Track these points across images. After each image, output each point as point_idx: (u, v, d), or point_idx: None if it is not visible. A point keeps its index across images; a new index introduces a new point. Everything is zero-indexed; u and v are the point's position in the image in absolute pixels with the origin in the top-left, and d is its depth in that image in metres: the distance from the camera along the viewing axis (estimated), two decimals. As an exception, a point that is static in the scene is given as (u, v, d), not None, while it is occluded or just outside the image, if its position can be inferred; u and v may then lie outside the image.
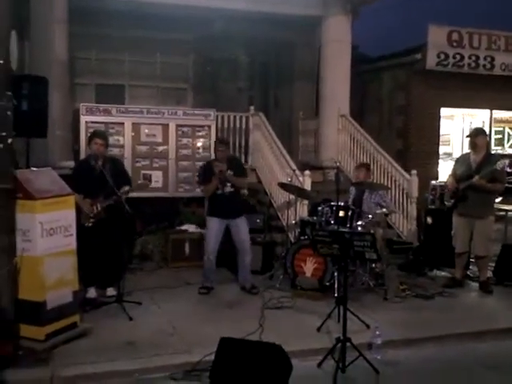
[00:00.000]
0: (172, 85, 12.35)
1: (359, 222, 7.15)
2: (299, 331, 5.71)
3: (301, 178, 8.46)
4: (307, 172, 8.52)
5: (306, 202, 8.28)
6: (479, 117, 13.71)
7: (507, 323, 6.20)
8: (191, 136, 9.30)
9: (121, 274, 6.32)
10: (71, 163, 8.18)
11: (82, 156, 8.03)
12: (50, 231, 5.13)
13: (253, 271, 7.34)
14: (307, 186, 8.30)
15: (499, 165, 6.98)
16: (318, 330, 5.69)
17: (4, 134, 4.80)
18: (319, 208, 7.38)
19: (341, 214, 7.11)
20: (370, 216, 7.29)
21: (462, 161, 7.55)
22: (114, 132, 8.78)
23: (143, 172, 8.95)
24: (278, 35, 11.93)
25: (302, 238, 7.49)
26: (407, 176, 9.04)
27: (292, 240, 8.08)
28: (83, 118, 8.72)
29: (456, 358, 5.43)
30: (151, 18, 10.34)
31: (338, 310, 5.76)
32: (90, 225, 6.31)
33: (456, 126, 13.84)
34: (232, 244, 7.22)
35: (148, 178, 8.78)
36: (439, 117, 12.84)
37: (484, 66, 12.39)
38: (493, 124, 13.76)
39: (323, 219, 7.20)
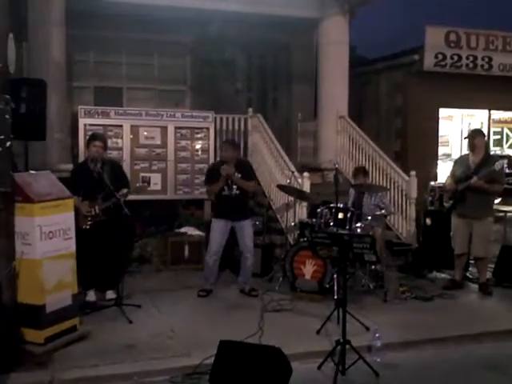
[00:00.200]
0: (170, 87, 12.34)
1: (358, 224, 7.15)
2: (299, 334, 5.70)
3: (300, 180, 8.45)
4: (306, 174, 8.52)
5: (305, 203, 8.27)
6: (478, 117, 13.72)
7: (507, 325, 6.19)
8: (190, 138, 9.30)
9: (120, 277, 6.32)
10: (70, 166, 8.15)
11: (81, 159, 8.02)
12: (49, 234, 5.12)
13: (252, 274, 7.33)
14: (306, 188, 8.29)
15: (497, 165, 6.98)
16: (318, 332, 5.69)
17: (2, 137, 4.80)
18: (318, 210, 7.37)
19: (340, 215, 7.10)
20: (369, 218, 7.29)
21: (460, 162, 7.56)
22: (112, 134, 8.78)
23: (142, 174, 8.95)
24: (275, 37, 11.94)
25: (302, 240, 7.47)
26: (406, 177, 9.03)
27: (291, 242, 8.07)
28: (81, 121, 8.71)
29: (456, 360, 5.43)
30: (148, 21, 10.35)
31: (337, 312, 5.76)
32: (88, 227, 6.31)
33: (455, 127, 13.83)
34: (236, 246, 7.24)
35: (147, 181, 8.80)
36: (438, 118, 12.85)
37: (482, 66, 12.41)
38: (491, 125, 13.77)
39: (322, 221, 7.19)
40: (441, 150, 13.17)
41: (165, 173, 9.13)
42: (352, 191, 8.02)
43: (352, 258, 5.26)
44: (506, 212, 9.24)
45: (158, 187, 9.06)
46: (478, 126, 12.60)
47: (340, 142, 10.78)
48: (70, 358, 4.95)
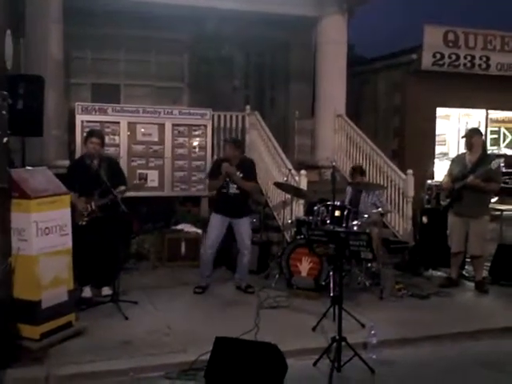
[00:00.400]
0: (167, 84, 12.34)
1: (355, 222, 7.16)
2: (295, 331, 5.70)
3: (297, 178, 8.46)
4: (303, 171, 8.52)
5: (302, 201, 8.29)
6: (475, 117, 13.72)
7: (503, 322, 6.21)
8: (187, 135, 9.28)
9: (116, 274, 6.32)
10: (67, 162, 8.15)
11: (78, 155, 8.01)
12: (45, 230, 5.11)
13: (248, 271, 7.33)
14: (303, 186, 8.30)
15: (494, 164, 6.99)
16: (314, 329, 5.69)
17: (-1, 133, 4.79)
18: (315, 207, 7.38)
19: (337, 213, 7.11)
20: (365, 216, 7.30)
21: (457, 161, 7.57)
22: (109, 131, 8.74)
23: (139, 171, 8.93)
24: (274, 35, 11.94)
25: (298, 237, 7.48)
26: (403, 176, 9.05)
27: (288, 239, 8.07)
28: (79, 117, 8.69)
29: (452, 357, 5.44)
30: (146, 18, 10.34)
31: (333, 309, 5.76)
32: (84, 223, 6.31)
33: (452, 126, 13.84)
34: (233, 243, 7.24)
35: (144, 178, 8.80)
36: (435, 117, 12.85)
37: (480, 65, 12.41)
38: (489, 124, 13.77)
39: (319, 219, 7.20)
40: (438, 149, 13.18)
41: (162, 170, 9.12)
42: (349, 189, 8.03)
43: (348, 256, 5.27)
44: (502, 211, 9.25)
45: (155, 184, 9.05)
46: (476, 126, 12.59)
47: (337, 140, 10.81)
48: (65, 354, 4.95)
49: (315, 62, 11.41)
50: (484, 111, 13.58)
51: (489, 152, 12.15)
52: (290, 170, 8.54)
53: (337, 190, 7.24)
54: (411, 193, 8.93)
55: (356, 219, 7.23)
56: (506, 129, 14.33)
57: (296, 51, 12.83)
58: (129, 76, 12.06)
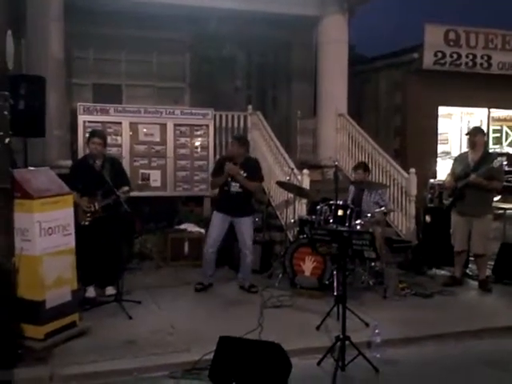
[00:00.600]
0: (169, 84, 12.34)
1: (358, 221, 7.14)
2: (298, 330, 5.70)
3: (299, 177, 8.46)
4: (306, 171, 8.52)
5: (304, 200, 8.28)
6: (477, 115, 13.71)
7: (506, 321, 6.20)
8: (189, 135, 9.28)
9: (120, 273, 6.31)
10: (69, 162, 8.14)
11: (80, 155, 8.03)
12: (48, 230, 5.11)
13: (252, 270, 7.32)
14: (306, 185, 8.30)
15: (496, 163, 6.99)
16: (318, 328, 5.69)
17: (1, 133, 4.78)
18: (318, 207, 7.37)
19: (340, 212, 7.10)
20: (368, 215, 7.29)
21: (460, 159, 7.56)
22: (111, 131, 8.75)
23: (141, 171, 8.93)
24: (275, 35, 11.94)
25: (301, 236, 7.47)
26: (405, 175, 9.04)
27: (291, 239, 8.07)
28: (81, 118, 8.70)
29: (456, 356, 5.43)
30: (148, 18, 10.34)
31: (337, 308, 5.76)
32: (87, 223, 6.31)
33: (454, 125, 13.83)
34: (234, 242, 7.24)
35: (146, 178, 8.80)
36: (437, 116, 12.85)
37: (481, 64, 12.40)
38: (491, 123, 13.76)
39: (322, 218, 7.19)
40: (440, 148, 13.17)
41: (164, 170, 9.12)
42: (352, 188, 8.02)
43: (351, 255, 5.27)
44: (505, 209, 9.23)
45: (158, 184, 9.04)
46: (478, 124, 12.58)
47: (339, 139, 10.81)
48: (69, 354, 4.95)
49: (317, 61, 11.42)
50: (486, 110, 13.56)
51: (491, 151, 12.13)
52: (292, 169, 8.53)
53: (339, 189, 7.19)
54: (414, 192, 8.92)
55: (359, 218, 7.21)
56: (509, 127, 14.31)
57: (297, 51, 12.84)
58: (130, 76, 12.06)
